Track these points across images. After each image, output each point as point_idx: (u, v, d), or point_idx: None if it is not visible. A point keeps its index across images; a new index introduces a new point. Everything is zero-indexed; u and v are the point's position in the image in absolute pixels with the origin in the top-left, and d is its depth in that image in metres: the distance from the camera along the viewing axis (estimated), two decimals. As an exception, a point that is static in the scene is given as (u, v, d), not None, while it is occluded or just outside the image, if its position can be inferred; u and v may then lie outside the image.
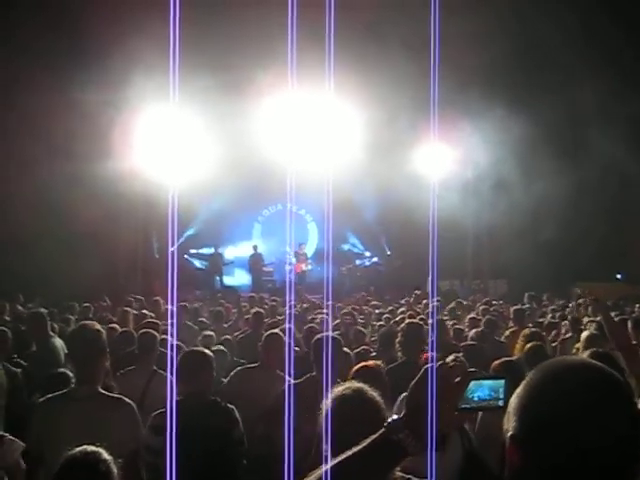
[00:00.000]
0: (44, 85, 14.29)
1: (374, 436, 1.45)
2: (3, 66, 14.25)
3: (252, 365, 5.32)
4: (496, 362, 4.86)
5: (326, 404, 2.28)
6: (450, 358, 4.81)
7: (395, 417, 1.45)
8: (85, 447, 2.46)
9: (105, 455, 2.44)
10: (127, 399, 3.55)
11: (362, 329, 7.57)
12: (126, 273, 18.21)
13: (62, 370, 5.05)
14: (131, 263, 18.38)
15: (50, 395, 3.55)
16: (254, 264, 19.56)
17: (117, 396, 3.54)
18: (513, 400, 1.31)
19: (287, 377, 4.24)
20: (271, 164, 15.02)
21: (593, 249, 16.87)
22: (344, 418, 2.15)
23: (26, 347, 6.28)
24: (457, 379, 1.47)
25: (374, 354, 6.29)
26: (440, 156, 17.00)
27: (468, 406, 1.48)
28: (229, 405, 4.06)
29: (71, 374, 4.28)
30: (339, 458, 1.45)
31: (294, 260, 18.69)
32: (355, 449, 1.44)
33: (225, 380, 5.36)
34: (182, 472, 1.63)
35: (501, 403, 1.49)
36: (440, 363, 1.48)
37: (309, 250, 20.76)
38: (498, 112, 15.64)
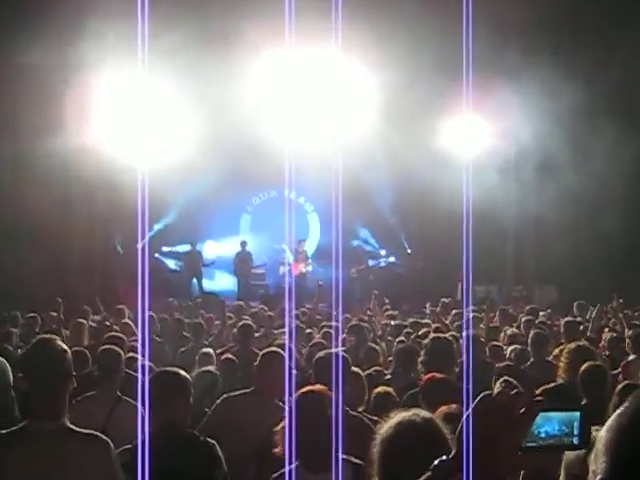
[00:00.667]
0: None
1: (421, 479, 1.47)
2: None
3: (242, 391, 5.34)
4: (543, 387, 4.88)
5: (385, 430, 2.33)
6: (499, 382, 4.84)
7: (444, 458, 1.45)
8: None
9: None
10: (102, 435, 3.54)
11: (374, 346, 7.58)
12: (81, 275, 18.22)
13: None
14: (88, 262, 18.40)
15: (5, 432, 3.45)
16: (241, 265, 19.57)
17: (90, 432, 3.52)
18: (603, 436, 1.28)
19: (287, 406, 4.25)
20: (263, 140, 15.05)
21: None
22: (408, 448, 2.19)
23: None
24: (521, 410, 1.45)
25: (388, 377, 6.31)
26: (474, 130, 17.01)
27: (535, 444, 1.45)
28: (209, 440, 4.08)
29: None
30: None
31: (291, 259, 18.71)
32: None
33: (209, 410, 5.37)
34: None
35: (576, 440, 1.46)
36: (498, 391, 1.47)
37: (310, 247, 20.77)
38: (545, 75, 15.62)
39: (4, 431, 3.46)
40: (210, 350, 7.71)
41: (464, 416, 1.46)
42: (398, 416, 2.41)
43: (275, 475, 3.55)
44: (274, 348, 5.50)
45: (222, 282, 20.77)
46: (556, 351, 8.06)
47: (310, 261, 19.72)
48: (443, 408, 3.18)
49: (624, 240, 16.73)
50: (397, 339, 8.75)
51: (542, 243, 18.09)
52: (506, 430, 1.42)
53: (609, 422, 1.29)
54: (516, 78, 16.05)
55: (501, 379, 4.98)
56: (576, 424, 1.46)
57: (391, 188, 20.00)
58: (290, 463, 3.39)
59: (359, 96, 16.17)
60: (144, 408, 3.82)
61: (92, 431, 3.52)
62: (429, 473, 1.46)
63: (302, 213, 21.53)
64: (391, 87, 16.12)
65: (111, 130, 15.80)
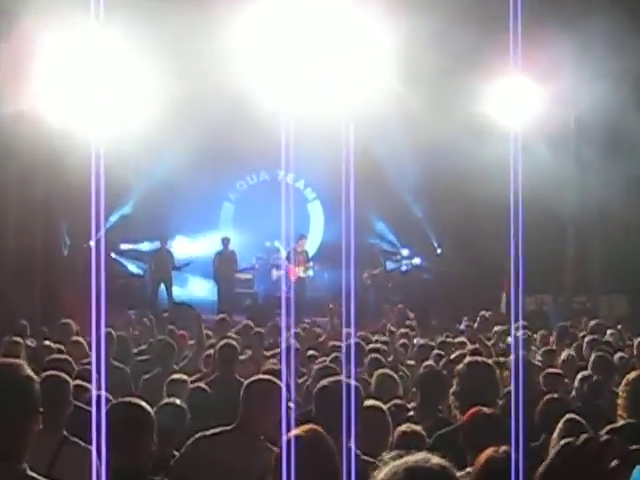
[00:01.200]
0: None
1: None
2: None
3: (222, 429, 5.36)
4: (610, 427, 4.90)
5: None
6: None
7: None
8: None
9: None
10: None
11: (392, 373, 7.58)
12: (16, 281, 18.25)
13: None
14: (24, 265, 18.42)
15: None
16: (223, 268, 19.60)
17: None
18: None
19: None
20: (251, 107, 15.05)
21: None
22: None
23: None
24: (613, 463, 1.47)
25: (411, 413, 6.32)
26: (522, 95, 17.00)
27: None
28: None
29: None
30: None
31: (286, 261, 18.73)
32: None
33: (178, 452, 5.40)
34: None
35: None
36: (586, 438, 1.48)
37: (311, 246, 20.77)
38: (614, 24, 15.58)
39: None
40: (183, 376, 7.74)
41: (544, 466, 1.47)
42: (405, 461, 2.38)
43: None
44: (264, 376, 5.50)
45: (198, 289, 20.85)
46: (631, 376, 8.09)
47: (311, 264, 19.74)
48: (489, 452, 3.16)
49: None
50: (423, 364, 8.77)
51: (610, 241, 18.09)
52: None
53: None
54: (576, 28, 16.02)
55: (565, 417, 4.98)
56: None
57: (416, 169, 20.00)
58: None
59: (375, 49, 16.12)
60: (98, 451, 3.84)
61: None
62: None
63: (301, 201, 21.56)
64: (416, 39, 16.06)
65: (55, 95, 15.80)
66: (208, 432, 5.41)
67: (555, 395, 6.43)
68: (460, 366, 6.00)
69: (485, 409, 4.66)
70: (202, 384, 7.32)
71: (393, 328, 12.08)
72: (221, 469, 4.89)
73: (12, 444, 3.47)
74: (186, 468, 5.08)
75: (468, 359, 6.33)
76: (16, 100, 15.56)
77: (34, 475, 3.48)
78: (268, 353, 9.99)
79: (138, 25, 14.73)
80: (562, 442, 1.49)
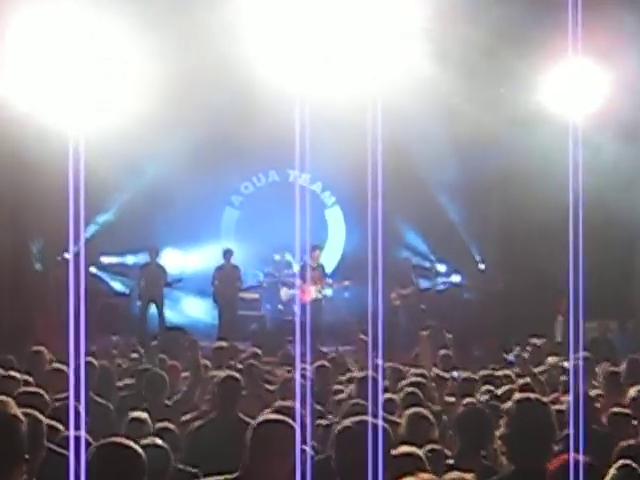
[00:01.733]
0: None
1: None
2: None
3: (224, 478, 5.39)
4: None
5: None
6: None
7: None
8: None
9: None
10: None
11: (426, 412, 7.57)
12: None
13: None
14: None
15: None
16: (224, 286, 19.66)
17: None
18: None
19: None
20: (259, 95, 15.10)
21: None
22: None
23: None
24: None
25: (452, 461, 6.31)
26: (582, 81, 17.00)
27: None
28: None
29: None
30: None
31: (299, 279, 18.77)
32: None
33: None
34: None
35: None
36: None
37: (329, 260, 20.82)
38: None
39: None
40: (142, 415, 7.78)
41: None
42: None
43: None
44: (275, 415, 5.49)
45: (194, 311, 20.90)
46: None
47: (330, 281, 19.78)
48: None
49: None
50: (464, 400, 8.76)
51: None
52: None
53: None
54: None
55: (619, 463, 4.99)
56: None
57: (455, 167, 20.00)
58: None
59: (405, 25, 16.16)
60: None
61: None
62: None
63: (318, 207, 21.60)
64: (453, 12, 16.11)
65: (25, 80, 15.91)
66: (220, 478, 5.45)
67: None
68: (509, 404, 6.00)
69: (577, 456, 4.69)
70: (198, 423, 7.34)
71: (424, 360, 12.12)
72: None
73: None
74: None
75: (518, 396, 6.32)
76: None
77: None
78: (272, 387, 10.00)
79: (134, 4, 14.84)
80: None
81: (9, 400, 3.91)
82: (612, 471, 4.88)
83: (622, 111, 17.36)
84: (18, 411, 3.75)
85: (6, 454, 3.57)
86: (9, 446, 3.59)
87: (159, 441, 6.16)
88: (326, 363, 11.52)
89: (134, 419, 7.60)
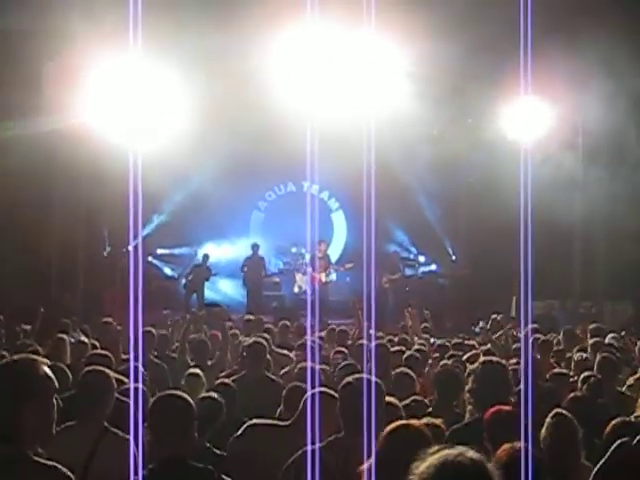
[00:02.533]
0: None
1: None
2: None
3: (276, 423, 5.37)
4: (614, 423, 4.86)
5: (424, 471, 2.30)
6: None
7: None
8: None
9: None
10: (63, 469, 3.57)
11: (410, 372, 7.54)
12: (61, 281, 18.35)
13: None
14: (68, 268, 18.52)
15: None
16: (252, 272, 19.63)
17: (50, 464, 3.57)
18: None
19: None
20: (279, 122, 15.05)
21: None
22: None
23: None
24: None
25: (430, 409, 6.29)
26: (533, 114, 16.94)
27: None
28: (224, 478, 4.12)
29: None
30: None
31: (310, 268, 18.71)
32: None
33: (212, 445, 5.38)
34: None
35: None
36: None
37: (334, 252, 20.78)
38: (620, 50, 15.52)
39: None
40: (198, 371, 7.73)
41: (596, 468, 1.44)
42: (441, 455, 2.36)
43: None
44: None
45: (228, 291, 20.87)
46: (630, 380, 8.01)
47: (336, 267, 19.73)
48: (506, 446, 3.12)
49: None
50: (442, 362, 8.72)
51: (615, 249, 17.97)
52: None
53: None
54: (583, 52, 15.95)
55: (554, 412, 4.96)
56: None
57: (434, 182, 19.94)
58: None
59: (394, 71, 16.13)
60: (136, 442, 3.85)
61: (54, 463, 3.55)
62: None
63: (325, 211, 21.57)
64: (433, 62, 16.09)
65: (99, 110, 15.89)
66: (261, 421, 5.42)
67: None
68: (474, 365, 5.98)
69: (505, 408, 4.66)
70: (226, 380, 7.29)
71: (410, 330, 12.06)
72: (269, 459, 4.86)
73: (12, 428, 3.46)
74: (240, 453, 5.12)
75: (482, 359, 6.30)
76: (63, 114, 15.66)
77: (33, 456, 3.49)
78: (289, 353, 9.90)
79: (176, 46, 14.80)
80: (617, 442, 1.47)
81: (36, 358, 3.85)
82: (548, 420, 4.85)
83: (560, 136, 17.37)
84: (44, 367, 3.71)
85: (23, 393, 3.52)
86: (24, 388, 3.50)
87: (215, 395, 6.11)
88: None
89: (191, 374, 7.55)
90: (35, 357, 3.84)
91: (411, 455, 2.70)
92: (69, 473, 3.53)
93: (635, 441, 1.39)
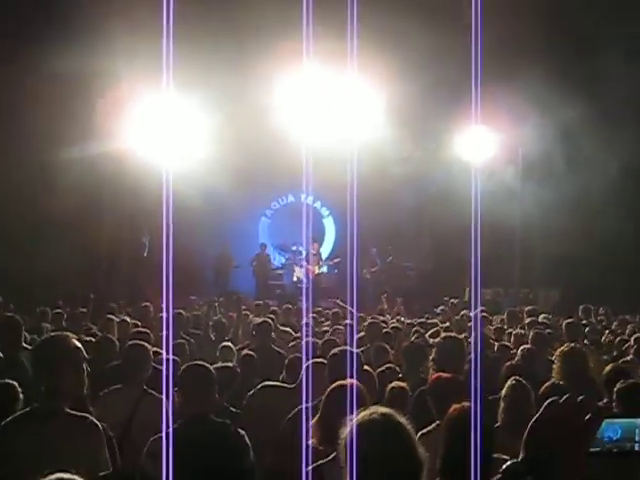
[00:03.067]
0: (10, 58, 14.39)
1: None
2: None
3: (283, 385, 5.36)
4: (545, 386, 4.87)
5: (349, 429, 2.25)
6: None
7: (513, 460, 1.42)
8: (59, 475, 2.50)
9: None
10: (94, 419, 3.60)
11: (385, 345, 7.55)
12: (109, 274, 18.33)
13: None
14: (115, 263, 18.50)
15: (16, 414, 3.63)
16: (260, 266, 19.61)
17: (82, 415, 3.59)
18: None
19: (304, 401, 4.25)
20: (282, 148, 15.04)
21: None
22: (372, 446, 2.13)
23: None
24: (587, 417, 1.44)
25: (400, 375, 6.30)
26: (482, 139, 16.98)
27: (599, 449, 1.45)
28: (240, 430, 4.12)
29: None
30: None
31: (306, 263, 18.70)
32: None
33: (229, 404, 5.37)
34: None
35: (637, 447, 1.46)
36: (566, 398, 1.44)
37: (325, 250, 20.79)
38: (549, 88, 15.57)
39: (18, 414, 3.64)
40: (230, 344, 7.73)
41: (533, 420, 1.42)
42: (359, 416, 2.31)
43: (312, 466, 3.39)
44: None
45: (242, 281, 20.80)
46: (558, 352, 8.05)
47: (325, 262, 19.76)
48: (456, 406, 3.12)
49: (628, 249, 16.68)
50: (413, 338, 8.72)
51: (547, 247, 18.01)
52: (576, 434, 1.41)
53: None
54: (522, 92, 16.01)
55: (511, 378, 4.98)
56: (638, 431, 1.46)
57: (403, 193, 19.85)
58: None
59: (372, 105, 16.16)
60: (168, 401, 3.85)
61: (86, 415, 3.58)
62: (499, 476, 1.43)
63: (318, 217, 21.55)
64: (403, 101, 16.13)
65: (139, 137, 15.89)
66: (270, 383, 5.42)
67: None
68: (437, 339, 5.99)
69: (444, 375, 4.61)
70: (249, 351, 7.29)
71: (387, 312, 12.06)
72: (276, 416, 4.85)
73: (55, 387, 3.54)
74: (255, 406, 5.13)
75: (443, 334, 6.31)
76: (110, 140, 15.67)
77: (69, 410, 3.54)
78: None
79: (201, 86, 14.78)
80: (548, 401, 1.46)
81: (69, 335, 3.85)
82: (508, 384, 4.83)
83: (502, 157, 17.42)
84: (71, 335, 3.73)
85: (64, 360, 3.56)
86: (63, 356, 3.56)
87: (230, 364, 6.09)
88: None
89: (224, 347, 7.58)
90: (67, 334, 3.88)
91: (344, 407, 2.71)
92: (96, 422, 3.57)
93: (562, 400, 1.39)
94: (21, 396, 4.29)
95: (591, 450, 1.44)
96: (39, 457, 2.68)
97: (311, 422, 3.70)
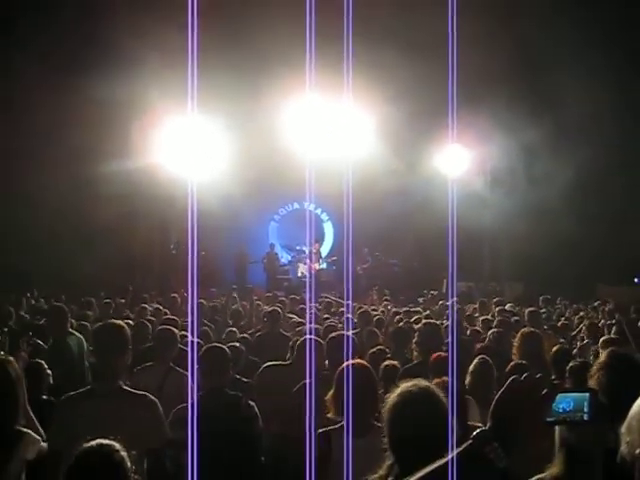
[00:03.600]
0: (63, 87, 14.43)
1: (459, 449, 1.44)
2: (22, 67, 14.39)
3: (281, 363, 5.34)
4: (510, 365, 4.87)
5: (391, 400, 2.25)
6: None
7: (481, 429, 1.43)
8: (100, 440, 2.50)
9: (119, 447, 2.47)
10: (151, 396, 3.55)
11: (375, 329, 7.53)
12: (143, 271, 18.34)
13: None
14: (148, 262, 18.51)
15: (72, 393, 3.56)
16: (269, 263, 19.59)
17: (140, 392, 3.55)
18: (637, 412, 1.20)
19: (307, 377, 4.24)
20: (288, 162, 15.07)
21: (614, 252, 16.77)
22: (409, 414, 2.12)
23: (43, 342, 6.27)
24: (544, 391, 1.47)
25: (389, 355, 6.28)
26: (458, 157, 16.99)
27: (554, 419, 1.46)
28: (250, 402, 4.11)
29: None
30: (424, 471, 1.45)
31: (308, 260, 18.68)
32: (440, 462, 1.43)
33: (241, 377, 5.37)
34: (204, 465, 1.65)
35: (586, 417, 1.45)
36: (526, 375, 1.45)
37: (324, 250, 20.77)
38: (514, 114, 15.59)
39: (74, 393, 3.56)
40: (234, 329, 7.75)
41: (499, 393, 1.42)
42: (401, 387, 2.34)
43: (322, 430, 3.38)
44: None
45: (255, 275, 20.79)
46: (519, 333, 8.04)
47: (328, 259, 19.77)
48: (437, 380, 3.12)
49: (580, 247, 16.72)
50: (398, 324, 8.70)
51: (513, 246, 18.01)
52: (535, 406, 1.43)
53: None
54: (490, 116, 16.03)
55: (478, 357, 4.97)
56: (586, 403, 1.46)
57: (390, 201, 19.80)
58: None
59: (364, 126, 16.17)
60: (192, 376, 3.85)
61: (143, 392, 3.54)
62: (470, 441, 1.43)
63: (319, 222, 21.54)
64: (389, 121, 16.13)
65: (169, 154, 15.90)
66: (273, 363, 5.41)
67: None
68: (419, 325, 5.97)
69: (443, 354, 4.66)
70: (246, 334, 7.30)
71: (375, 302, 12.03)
72: (279, 389, 4.86)
73: (111, 369, 3.51)
74: (259, 384, 5.11)
75: (424, 321, 6.29)
76: (144, 157, 15.69)
77: (127, 388, 3.50)
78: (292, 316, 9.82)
79: (220, 109, 14.76)
80: (511, 378, 1.47)
81: (120, 323, 3.80)
82: (475, 361, 4.84)
83: (475, 170, 17.44)
84: (125, 329, 3.67)
85: (117, 345, 3.54)
86: (117, 342, 3.55)
87: (237, 344, 6.09)
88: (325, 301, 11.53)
89: (230, 331, 7.59)
90: (119, 322, 3.85)
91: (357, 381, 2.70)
92: (152, 397, 3.54)
93: (522, 377, 1.40)
94: (49, 376, 4.27)
95: (547, 420, 1.45)
96: (99, 432, 2.64)
97: (327, 397, 3.64)
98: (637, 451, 1.17)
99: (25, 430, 3.23)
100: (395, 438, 2.11)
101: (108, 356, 3.51)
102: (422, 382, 2.32)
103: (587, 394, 1.47)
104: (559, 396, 1.45)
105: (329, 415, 3.53)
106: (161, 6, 13.19)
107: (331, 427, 3.35)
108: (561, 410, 1.45)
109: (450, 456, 1.42)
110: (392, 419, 2.17)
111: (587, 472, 1.20)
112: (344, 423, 3.20)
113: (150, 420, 3.41)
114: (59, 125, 14.97)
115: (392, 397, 2.27)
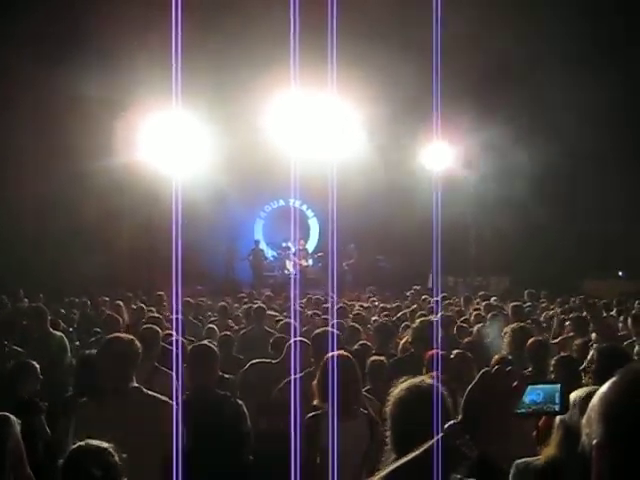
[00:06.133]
0: (45, 84, 14.31)
1: (431, 441, 1.45)
2: (4, 64, 14.24)
3: (270, 360, 5.34)
4: (495, 359, 4.91)
5: (397, 393, 2.25)
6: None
7: (452, 422, 1.44)
8: (89, 440, 2.53)
9: (107, 445, 2.49)
10: (166, 399, 3.56)
11: (356, 325, 7.51)
12: (130, 271, 18.21)
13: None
14: (136, 262, 18.36)
15: (94, 393, 3.63)
16: (255, 259, 19.55)
17: (155, 395, 3.58)
18: (597, 404, 1.20)
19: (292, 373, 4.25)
20: (274, 160, 15.04)
21: (596, 247, 16.91)
22: (415, 409, 2.13)
23: (24, 341, 6.27)
24: (514, 383, 1.47)
25: (374, 350, 6.29)
26: (442, 155, 17.05)
27: (524, 410, 1.47)
28: (238, 400, 4.10)
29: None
30: (396, 464, 1.46)
31: (294, 257, 18.66)
32: (412, 455, 1.44)
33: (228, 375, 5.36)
34: (193, 465, 1.63)
35: (557, 408, 1.47)
36: (496, 368, 1.47)
37: (310, 246, 20.75)
38: (500, 112, 15.68)
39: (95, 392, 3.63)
40: (214, 326, 7.73)
41: (470, 386, 1.45)
42: (408, 382, 2.33)
43: (309, 415, 3.45)
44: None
45: (241, 271, 20.74)
46: (507, 329, 8.07)
47: (310, 256, 19.73)
48: (426, 376, 3.15)
49: (564, 242, 16.85)
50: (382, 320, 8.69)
51: (499, 241, 18.10)
52: (504, 398, 1.44)
53: (602, 391, 1.22)
54: (472, 115, 16.13)
55: (455, 352, 5.01)
56: (557, 394, 1.48)
57: (376, 199, 19.81)
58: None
59: (350, 123, 16.18)
60: (177, 375, 3.84)
61: (157, 394, 3.56)
62: (442, 434, 1.44)
63: (304, 218, 21.49)
64: (377, 120, 16.17)
65: (153, 150, 15.81)
66: (258, 360, 5.41)
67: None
68: (415, 324, 5.96)
69: (441, 352, 4.67)
70: (242, 331, 7.25)
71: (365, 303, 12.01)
72: (266, 387, 4.87)
73: (126, 375, 3.56)
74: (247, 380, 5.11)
75: (421, 319, 6.27)
76: (128, 153, 15.59)
77: (143, 389, 3.52)
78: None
79: (205, 106, 14.72)
80: (482, 371, 1.49)
81: (127, 336, 3.90)
82: (455, 352, 4.87)
83: (458, 166, 17.53)
84: (135, 341, 3.77)
85: (130, 357, 3.65)
86: (131, 355, 3.70)
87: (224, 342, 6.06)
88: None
89: (209, 328, 7.58)
90: (132, 337, 3.87)
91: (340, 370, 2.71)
92: (168, 400, 3.53)
93: (493, 370, 1.42)
94: (39, 373, 4.27)
95: (517, 411, 1.47)
96: (123, 429, 2.69)
97: (313, 383, 3.69)
98: (594, 442, 1.18)
99: (9, 416, 3.35)
100: (400, 433, 2.10)
101: (119, 363, 3.61)
102: (428, 379, 2.32)
103: (558, 385, 1.49)
104: (529, 388, 1.48)
105: (315, 403, 3.58)
106: (145, 2, 13.11)
107: (317, 412, 3.43)
108: (530, 402, 1.48)
109: (421, 450, 1.43)
110: (398, 414, 2.15)
111: (583, 454, 1.20)
112: (329, 408, 3.27)
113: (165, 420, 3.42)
114: (40, 122, 14.84)
115: (397, 392, 2.26)
